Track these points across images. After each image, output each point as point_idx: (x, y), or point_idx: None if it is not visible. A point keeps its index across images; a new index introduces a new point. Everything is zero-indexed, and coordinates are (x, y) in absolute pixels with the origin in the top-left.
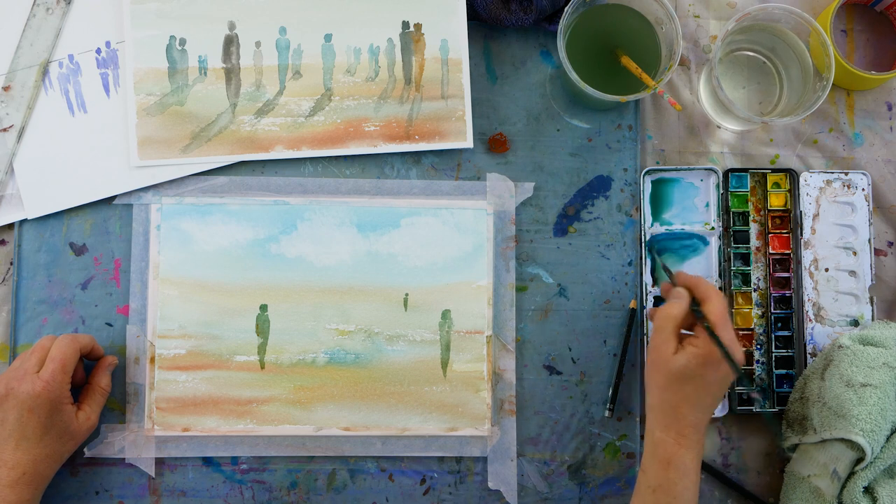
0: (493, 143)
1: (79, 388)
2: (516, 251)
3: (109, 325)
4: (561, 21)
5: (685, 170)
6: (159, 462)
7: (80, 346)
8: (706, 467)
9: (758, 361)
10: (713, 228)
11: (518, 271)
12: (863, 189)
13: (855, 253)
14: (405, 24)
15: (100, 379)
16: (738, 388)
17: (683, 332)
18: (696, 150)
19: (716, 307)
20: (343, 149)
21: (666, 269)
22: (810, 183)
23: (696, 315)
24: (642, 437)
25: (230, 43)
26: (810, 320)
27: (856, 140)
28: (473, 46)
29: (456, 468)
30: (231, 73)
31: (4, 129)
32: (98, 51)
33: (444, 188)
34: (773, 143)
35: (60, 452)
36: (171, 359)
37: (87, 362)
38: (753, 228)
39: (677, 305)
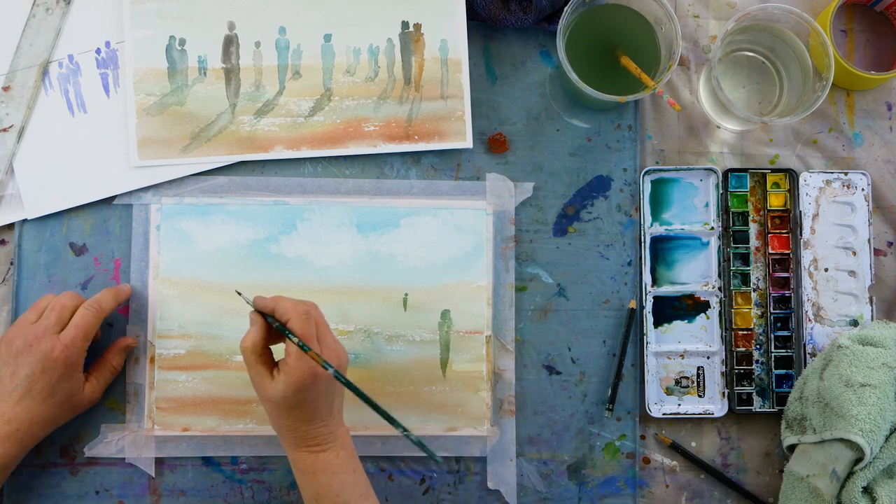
0: (493, 143)
1: (90, 353)
2: (516, 251)
3: (109, 325)
4: (561, 21)
5: (685, 170)
6: (159, 462)
7: (107, 312)
8: (705, 467)
9: (757, 361)
10: (713, 228)
11: (518, 271)
12: (862, 189)
13: (854, 253)
14: (405, 24)
15: (112, 357)
16: (738, 388)
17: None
18: (696, 150)
19: (296, 325)
20: (343, 149)
21: (240, 294)
22: (810, 183)
23: (284, 333)
24: (642, 436)
25: (230, 43)
26: (810, 320)
27: (855, 140)
28: (473, 46)
29: (455, 468)
30: (231, 74)
31: (4, 129)
32: (98, 51)
33: (443, 188)
34: (773, 143)
35: (57, 418)
36: (171, 359)
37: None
38: (753, 228)
39: (250, 334)
